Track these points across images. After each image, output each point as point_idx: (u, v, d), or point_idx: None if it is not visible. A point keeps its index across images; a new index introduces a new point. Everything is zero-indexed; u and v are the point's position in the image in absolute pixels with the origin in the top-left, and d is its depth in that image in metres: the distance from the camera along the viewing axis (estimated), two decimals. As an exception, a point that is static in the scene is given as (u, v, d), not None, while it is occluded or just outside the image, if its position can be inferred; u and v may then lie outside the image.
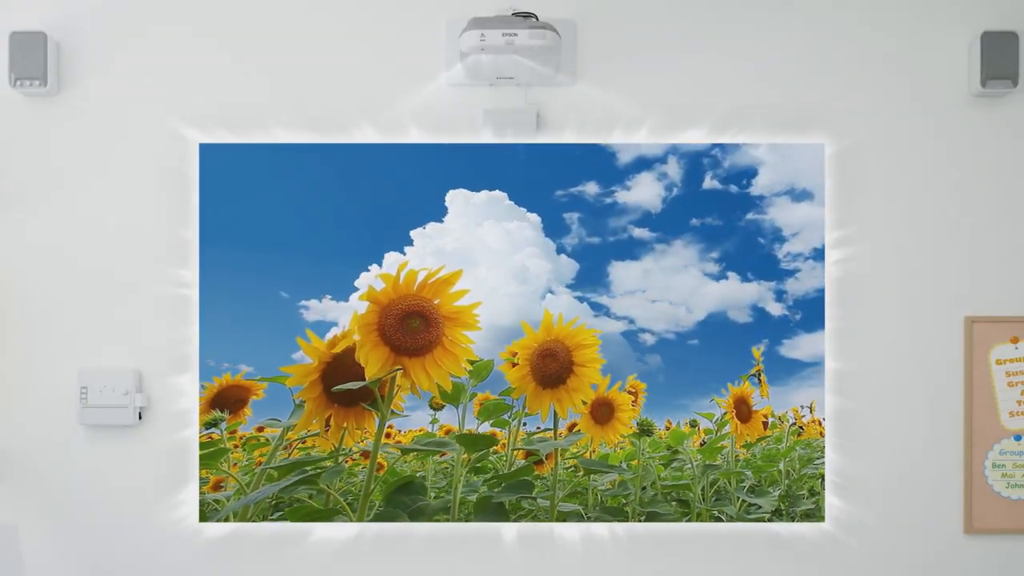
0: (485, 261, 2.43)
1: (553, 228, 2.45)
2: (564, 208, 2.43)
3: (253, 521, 2.36)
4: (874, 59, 2.42)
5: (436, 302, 2.12)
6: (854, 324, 2.43)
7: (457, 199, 2.41)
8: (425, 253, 2.41)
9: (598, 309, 2.45)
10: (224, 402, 2.35)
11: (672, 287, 2.43)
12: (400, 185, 2.40)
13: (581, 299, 2.45)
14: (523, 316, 2.40)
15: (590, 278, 2.45)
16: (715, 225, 2.45)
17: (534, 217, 2.43)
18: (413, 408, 2.34)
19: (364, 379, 2.07)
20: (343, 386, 2.10)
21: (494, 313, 2.41)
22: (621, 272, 2.45)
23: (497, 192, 2.42)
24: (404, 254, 2.40)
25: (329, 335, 2.25)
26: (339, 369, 2.18)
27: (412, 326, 2.13)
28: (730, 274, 2.46)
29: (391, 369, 2.08)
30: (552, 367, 2.32)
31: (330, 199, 2.40)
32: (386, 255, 2.39)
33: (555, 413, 2.35)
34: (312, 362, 2.19)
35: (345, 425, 2.23)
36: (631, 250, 2.45)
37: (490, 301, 2.41)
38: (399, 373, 2.09)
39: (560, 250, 2.45)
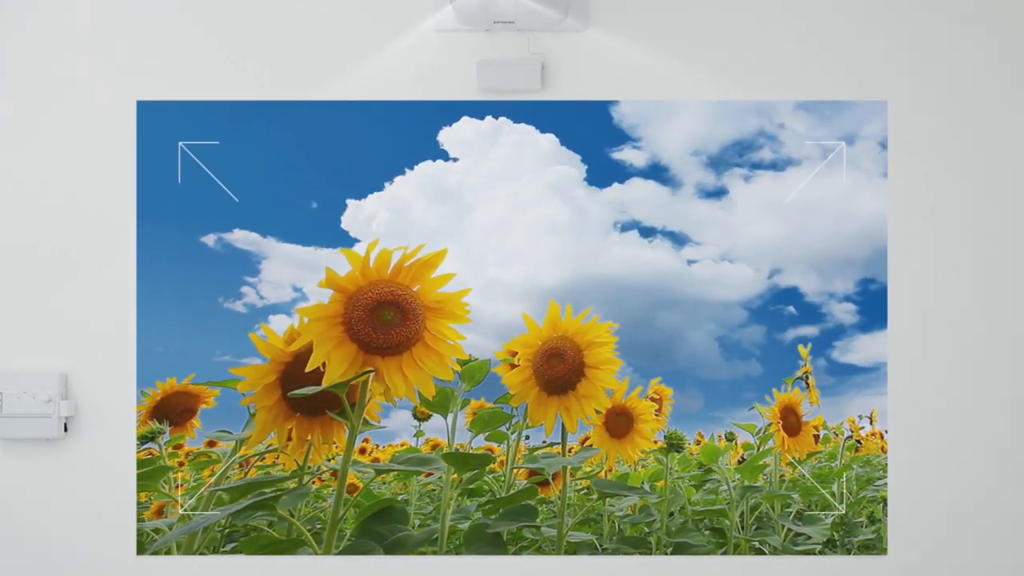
0: (508, 202, 2.29)
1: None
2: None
3: (201, 554, 2.22)
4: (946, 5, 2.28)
5: (415, 289, 2.01)
6: (922, 320, 2.29)
7: (464, 128, 2.28)
8: (424, 196, 2.26)
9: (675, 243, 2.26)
10: (168, 412, 2.25)
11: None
12: (384, 129, 2.30)
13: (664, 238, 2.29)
14: (575, 269, 2.28)
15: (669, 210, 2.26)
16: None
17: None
18: (390, 416, 2.23)
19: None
20: (300, 391, 2.01)
21: (530, 274, 2.28)
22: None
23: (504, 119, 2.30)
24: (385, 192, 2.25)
25: (286, 329, 2.10)
26: (300, 370, 2.03)
27: (385, 319, 1.99)
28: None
29: (359, 371, 1.97)
30: (559, 370, 2.22)
31: (297, 164, 2.28)
32: (360, 202, 2.26)
33: (563, 425, 2.25)
34: (267, 362, 2.04)
35: (309, 438, 2.10)
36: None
37: (527, 255, 2.28)
38: (371, 376, 1.98)
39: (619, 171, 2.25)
